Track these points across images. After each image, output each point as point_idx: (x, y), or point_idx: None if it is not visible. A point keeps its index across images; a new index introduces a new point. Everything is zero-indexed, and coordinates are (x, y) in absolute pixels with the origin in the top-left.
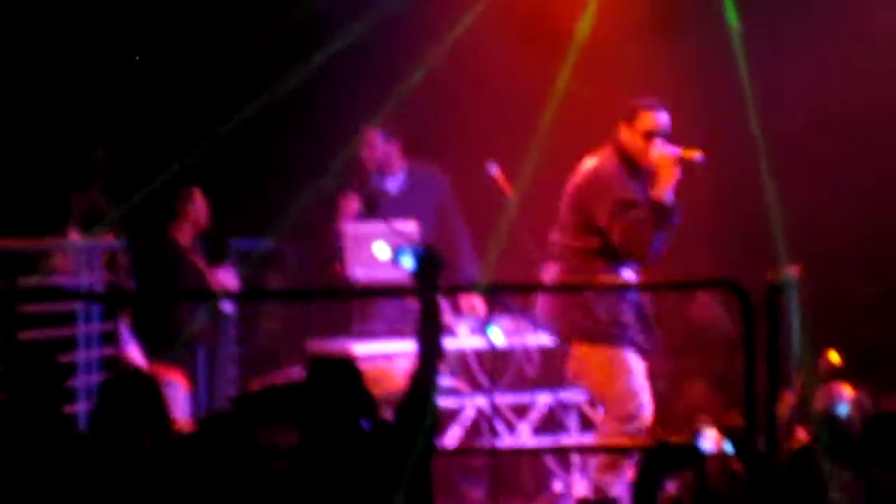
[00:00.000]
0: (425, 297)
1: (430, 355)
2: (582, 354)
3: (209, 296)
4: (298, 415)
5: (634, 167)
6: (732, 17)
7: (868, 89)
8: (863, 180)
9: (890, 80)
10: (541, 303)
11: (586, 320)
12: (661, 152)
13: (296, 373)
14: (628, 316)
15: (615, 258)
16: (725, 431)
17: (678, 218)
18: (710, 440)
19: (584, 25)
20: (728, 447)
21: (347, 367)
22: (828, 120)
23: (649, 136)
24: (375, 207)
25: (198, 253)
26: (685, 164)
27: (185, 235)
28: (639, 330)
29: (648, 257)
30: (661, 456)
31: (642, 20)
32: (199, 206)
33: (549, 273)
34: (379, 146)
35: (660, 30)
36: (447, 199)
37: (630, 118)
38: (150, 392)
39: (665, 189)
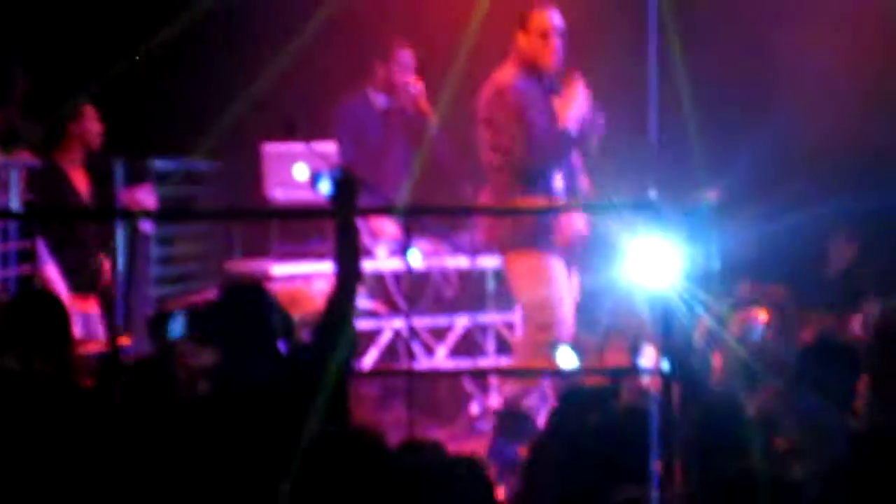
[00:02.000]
0: (342, 220)
1: (348, 277)
2: (509, 262)
3: (126, 215)
4: (214, 336)
5: (536, 72)
6: None
7: None
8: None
9: None
10: (478, 224)
11: (514, 229)
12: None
13: (213, 294)
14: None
15: (524, 175)
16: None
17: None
18: (648, 357)
19: None
20: (666, 366)
21: (257, 289)
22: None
23: (545, 35)
24: (294, 132)
25: (88, 175)
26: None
27: (72, 156)
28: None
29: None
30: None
31: None
32: (85, 124)
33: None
34: (411, 64)
35: None
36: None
37: (523, 23)
38: (51, 313)
39: (570, 118)
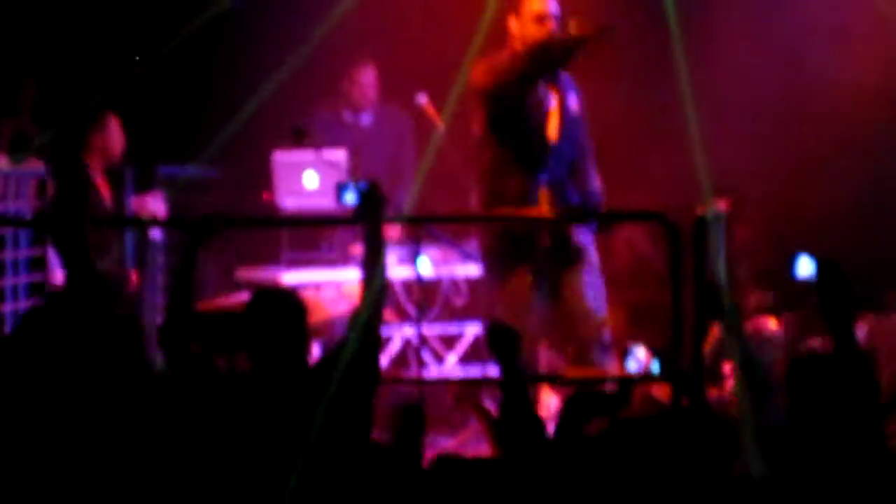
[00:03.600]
0: (369, 232)
1: (375, 287)
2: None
3: (137, 223)
4: (245, 344)
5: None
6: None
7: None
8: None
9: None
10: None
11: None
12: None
13: (235, 301)
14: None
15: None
16: (654, 352)
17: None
18: (637, 360)
19: None
20: (655, 367)
21: (291, 297)
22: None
23: (539, 20)
24: (303, 138)
25: (110, 183)
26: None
27: (93, 165)
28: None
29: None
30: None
31: None
32: (110, 136)
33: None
34: (372, 83)
35: None
36: (406, 135)
37: (516, 8)
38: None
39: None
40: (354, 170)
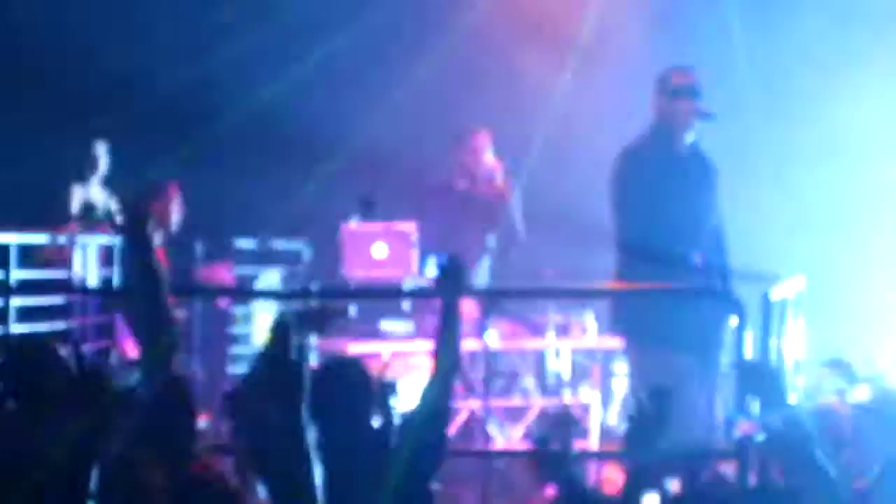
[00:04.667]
0: (446, 304)
1: (448, 361)
2: None
3: (205, 292)
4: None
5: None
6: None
7: None
8: None
9: None
10: None
11: None
12: None
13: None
14: None
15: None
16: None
17: None
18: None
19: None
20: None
21: (357, 364)
22: None
23: (675, 93)
24: (372, 209)
25: (168, 254)
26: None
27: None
28: None
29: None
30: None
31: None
32: (168, 205)
33: None
34: (488, 151)
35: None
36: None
37: (662, 86)
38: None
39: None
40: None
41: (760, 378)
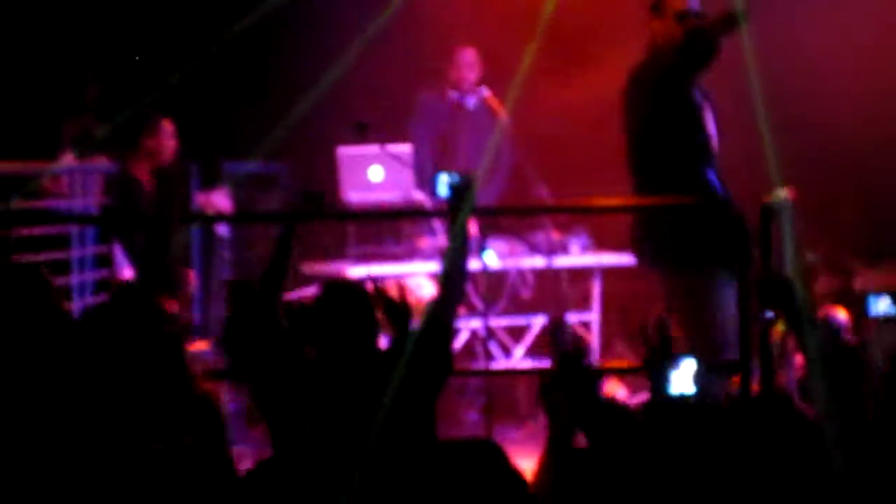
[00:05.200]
0: (455, 223)
1: (456, 279)
2: None
3: (202, 219)
4: (315, 334)
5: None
6: None
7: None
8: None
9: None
10: None
11: None
12: None
13: (303, 294)
14: None
15: None
16: None
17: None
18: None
19: None
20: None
21: (358, 289)
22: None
23: (682, 18)
24: (366, 132)
25: (160, 185)
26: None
27: (142, 168)
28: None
29: None
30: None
31: None
32: (160, 140)
33: None
34: (475, 65)
35: None
36: (505, 128)
37: (657, 7)
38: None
39: None
40: (453, 149)
41: (780, 291)
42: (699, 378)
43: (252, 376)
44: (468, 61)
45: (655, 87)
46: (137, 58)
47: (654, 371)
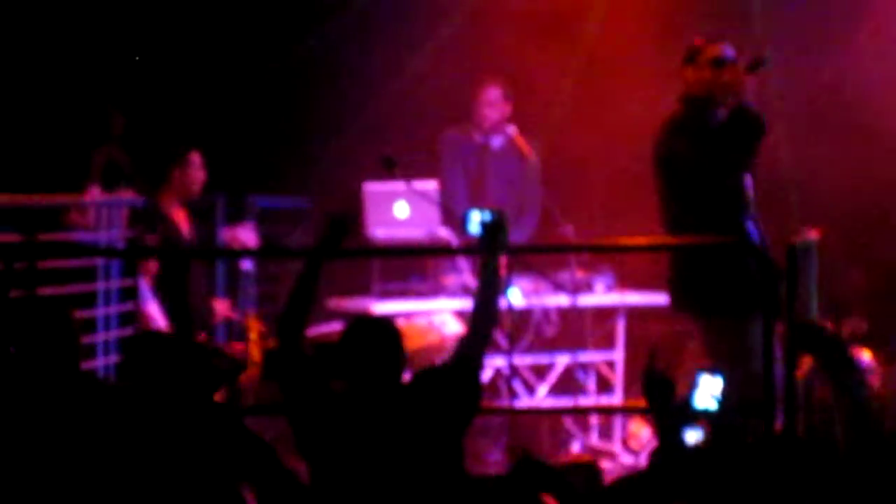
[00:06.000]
0: (486, 261)
1: (486, 318)
2: None
3: (229, 254)
4: (342, 370)
5: (713, 106)
6: None
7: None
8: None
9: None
10: None
11: None
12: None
13: (330, 330)
14: None
15: None
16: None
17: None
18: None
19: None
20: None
21: (387, 324)
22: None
23: (718, 64)
24: (394, 168)
25: (190, 216)
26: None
27: (171, 200)
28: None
29: None
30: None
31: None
32: (190, 172)
33: None
34: (500, 104)
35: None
36: (534, 166)
37: (692, 57)
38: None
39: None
40: (478, 189)
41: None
42: (726, 411)
43: (289, 408)
44: (489, 99)
45: (699, 159)
46: (137, 58)
47: (660, 413)
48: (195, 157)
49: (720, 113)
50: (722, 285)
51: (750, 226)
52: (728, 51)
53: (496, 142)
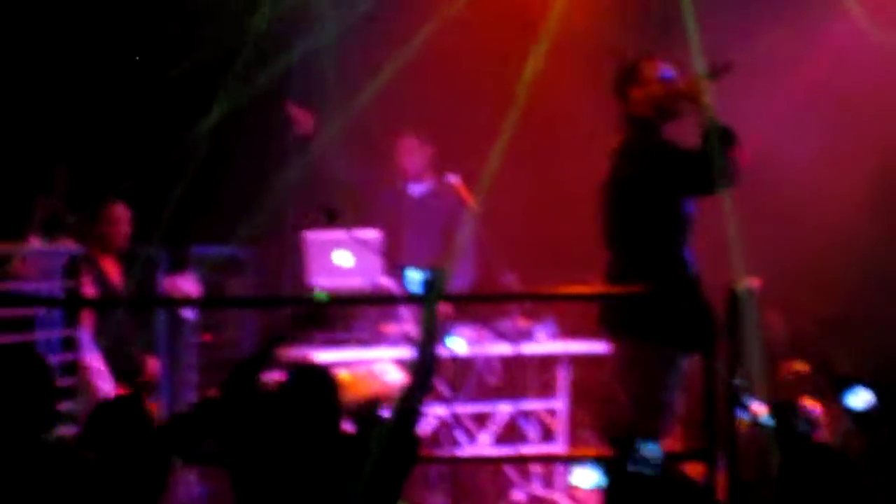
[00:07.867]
0: (426, 315)
1: (427, 367)
2: None
3: (168, 303)
4: (280, 420)
5: (660, 122)
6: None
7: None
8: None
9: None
10: None
11: None
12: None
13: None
14: None
15: None
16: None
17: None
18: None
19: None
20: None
21: (325, 373)
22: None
23: (663, 79)
24: (335, 218)
25: (120, 267)
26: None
27: (98, 252)
28: None
29: None
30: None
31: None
32: (112, 227)
33: None
34: (417, 152)
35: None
36: (459, 210)
37: (634, 78)
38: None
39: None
40: (396, 238)
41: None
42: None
43: (231, 459)
44: (406, 147)
45: (644, 179)
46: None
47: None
48: (118, 211)
49: (667, 131)
50: (647, 314)
51: (688, 255)
52: (666, 72)
53: (417, 189)
